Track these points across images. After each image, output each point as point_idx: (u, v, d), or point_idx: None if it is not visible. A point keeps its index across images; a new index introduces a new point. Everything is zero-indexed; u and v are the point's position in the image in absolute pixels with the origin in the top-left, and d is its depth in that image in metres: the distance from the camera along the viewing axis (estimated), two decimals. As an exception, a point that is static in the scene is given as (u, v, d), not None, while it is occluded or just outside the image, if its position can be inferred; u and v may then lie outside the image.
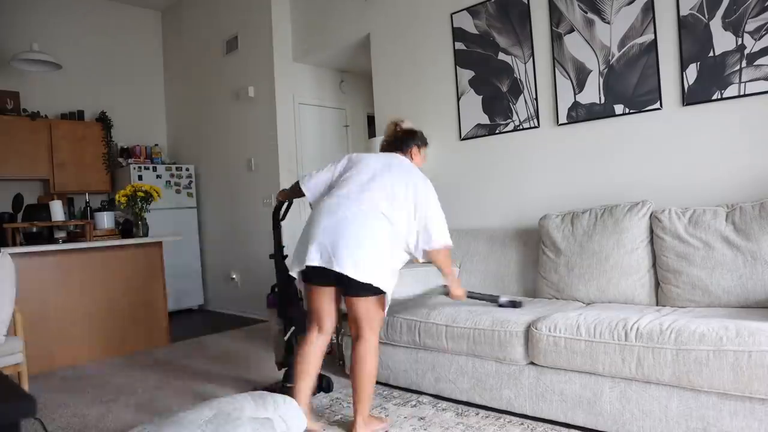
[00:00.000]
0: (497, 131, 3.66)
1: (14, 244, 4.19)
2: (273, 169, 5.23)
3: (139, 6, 6.58)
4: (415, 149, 2.61)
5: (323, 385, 2.98)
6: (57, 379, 3.62)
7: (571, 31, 3.25)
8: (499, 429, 2.37)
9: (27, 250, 3.76)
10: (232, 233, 5.85)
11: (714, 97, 2.75)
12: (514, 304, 2.71)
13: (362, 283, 2.16)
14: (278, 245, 3.05)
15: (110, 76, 6.32)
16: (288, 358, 2.87)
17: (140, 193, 4.47)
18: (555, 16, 3.32)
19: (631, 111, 3.04)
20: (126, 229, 4.84)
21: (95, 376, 3.63)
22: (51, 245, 3.95)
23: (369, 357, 2.30)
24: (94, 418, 2.84)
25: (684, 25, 2.82)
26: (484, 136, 3.73)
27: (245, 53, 5.51)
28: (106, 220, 5.31)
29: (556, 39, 3.32)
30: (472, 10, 3.74)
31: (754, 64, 2.62)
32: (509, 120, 3.59)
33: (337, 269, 2.13)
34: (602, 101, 3.14)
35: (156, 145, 6.53)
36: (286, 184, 5.22)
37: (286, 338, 2.87)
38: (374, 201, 2.25)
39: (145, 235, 4.53)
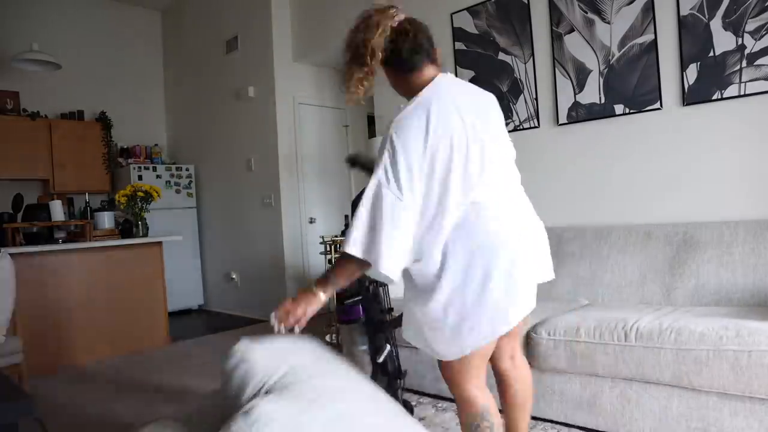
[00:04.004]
0: (497, 131, 3.65)
1: (14, 244, 4.19)
2: (273, 169, 5.23)
3: (139, 6, 6.58)
4: (438, 50, 1.74)
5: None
6: (57, 379, 3.62)
7: (571, 31, 3.25)
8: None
9: (27, 250, 3.76)
10: (232, 233, 5.85)
11: (714, 97, 2.75)
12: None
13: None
14: None
15: (110, 76, 6.31)
16: (381, 386, 2.44)
17: (140, 193, 4.47)
18: (555, 16, 3.32)
19: (632, 111, 3.04)
20: (126, 229, 4.84)
21: (95, 376, 3.63)
22: (51, 245, 3.96)
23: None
24: (94, 418, 2.84)
25: (684, 25, 2.82)
26: (484, 136, 3.72)
27: (245, 53, 5.51)
28: (106, 220, 5.33)
29: (556, 39, 3.32)
30: (472, 10, 3.74)
31: (755, 64, 2.62)
32: (509, 120, 3.59)
33: (547, 278, 1.63)
34: (602, 101, 3.14)
35: (156, 145, 6.53)
36: (286, 184, 5.23)
37: (380, 360, 2.27)
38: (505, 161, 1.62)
39: (145, 235, 4.53)
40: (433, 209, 1.44)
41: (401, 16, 1.67)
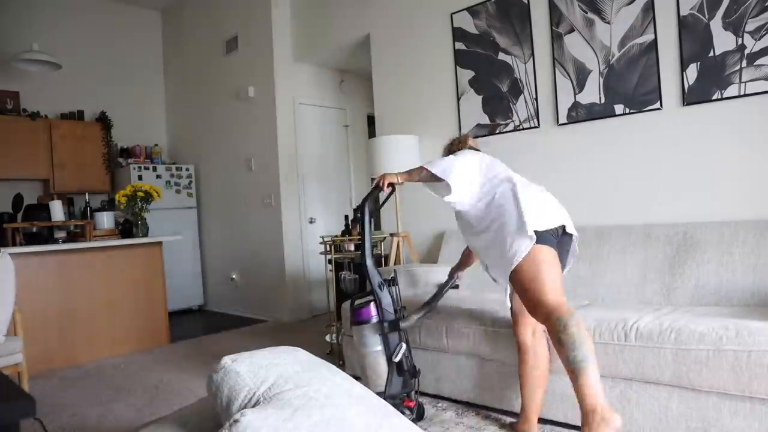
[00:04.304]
0: (497, 131, 3.66)
1: (14, 244, 4.20)
2: (273, 169, 5.23)
3: (139, 6, 6.58)
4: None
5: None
6: (57, 379, 3.62)
7: (571, 31, 3.25)
8: (499, 429, 2.37)
9: (27, 250, 3.76)
10: (232, 233, 5.85)
11: (714, 97, 2.75)
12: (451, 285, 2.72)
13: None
14: (368, 246, 2.43)
15: (110, 76, 6.32)
16: (398, 385, 2.30)
17: (140, 193, 4.47)
18: (555, 16, 3.32)
19: (632, 111, 3.04)
20: (126, 229, 4.84)
21: (95, 376, 3.63)
22: (51, 245, 3.95)
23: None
24: (94, 418, 2.84)
25: (684, 24, 2.82)
26: (484, 136, 3.73)
27: (245, 53, 5.51)
28: (106, 220, 5.33)
29: (556, 39, 3.32)
30: (472, 10, 3.74)
31: (755, 64, 2.62)
32: (509, 120, 3.59)
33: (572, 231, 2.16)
34: (602, 101, 3.14)
35: (156, 145, 6.53)
36: (286, 183, 5.23)
37: (396, 359, 2.26)
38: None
39: (145, 235, 4.53)
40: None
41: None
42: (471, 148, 2.51)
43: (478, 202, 2.23)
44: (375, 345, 2.29)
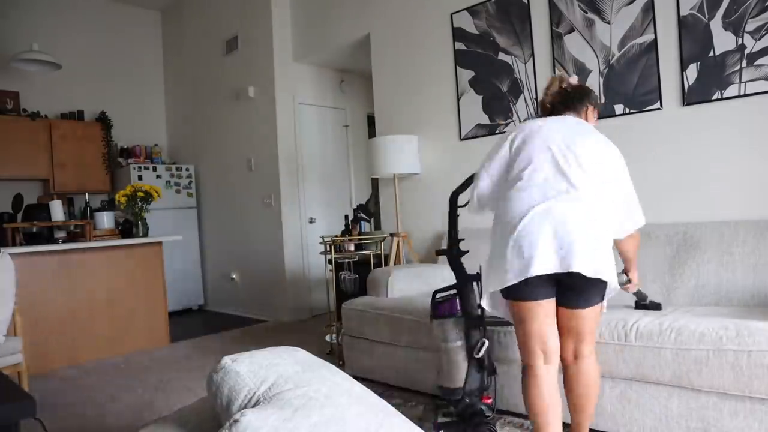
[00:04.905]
0: (497, 131, 3.66)
1: (14, 244, 4.20)
2: (273, 169, 5.23)
3: (139, 6, 6.58)
4: (590, 110, 2.10)
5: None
6: (57, 379, 3.62)
7: (571, 31, 3.25)
8: (499, 429, 2.37)
9: (27, 250, 3.76)
10: (232, 233, 5.85)
11: (714, 97, 2.75)
12: (657, 307, 2.40)
13: (598, 284, 1.80)
14: (456, 238, 2.40)
15: (110, 76, 6.32)
16: (476, 382, 2.26)
17: (140, 193, 4.47)
18: (555, 16, 3.32)
19: (631, 111, 3.04)
20: (126, 229, 4.84)
21: (95, 376, 3.63)
22: (51, 245, 3.95)
23: (598, 376, 1.95)
24: (94, 418, 2.84)
25: (684, 24, 2.82)
26: (484, 136, 3.73)
27: (245, 53, 5.51)
28: (106, 220, 5.34)
29: (556, 39, 3.32)
30: (472, 10, 3.74)
31: (755, 64, 2.62)
32: (509, 120, 3.59)
33: (577, 269, 1.71)
34: (602, 101, 3.14)
35: (156, 145, 6.54)
36: (286, 184, 5.23)
37: (479, 355, 2.20)
38: (581, 179, 1.83)
39: (145, 235, 4.54)
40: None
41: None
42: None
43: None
44: (456, 340, 2.27)
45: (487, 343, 2.22)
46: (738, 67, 2.67)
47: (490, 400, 2.30)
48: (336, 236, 3.84)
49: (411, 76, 4.20)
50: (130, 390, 3.27)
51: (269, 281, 5.37)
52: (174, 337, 4.63)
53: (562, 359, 1.95)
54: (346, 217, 4.04)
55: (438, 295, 2.35)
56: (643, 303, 2.41)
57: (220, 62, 5.84)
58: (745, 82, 2.65)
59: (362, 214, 3.97)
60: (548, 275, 1.78)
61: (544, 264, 1.74)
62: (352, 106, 5.91)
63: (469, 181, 2.28)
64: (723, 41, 2.70)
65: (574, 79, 2.14)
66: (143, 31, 6.67)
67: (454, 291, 2.33)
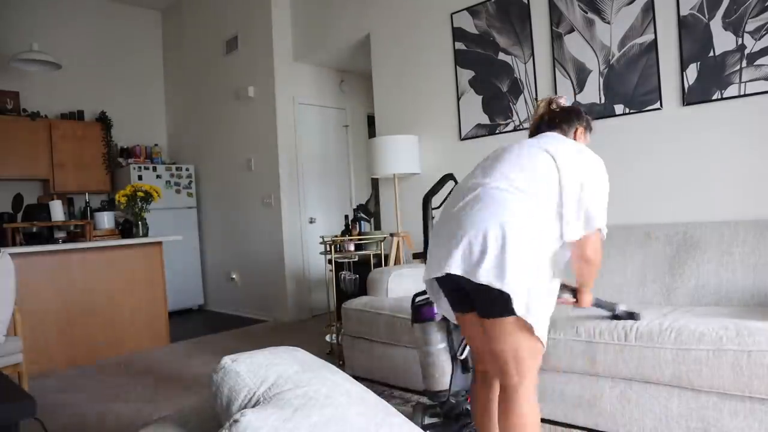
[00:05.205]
0: (497, 131, 3.66)
1: (14, 244, 4.20)
2: (273, 169, 5.23)
3: (139, 6, 6.58)
4: (580, 131, 1.95)
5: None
6: (57, 379, 3.62)
7: (571, 31, 3.25)
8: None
9: (27, 250, 3.76)
10: (232, 233, 5.85)
11: (714, 97, 2.75)
12: (631, 316, 2.24)
13: (491, 293, 1.52)
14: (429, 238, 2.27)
15: (110, 76, 6.32)
16: (461, 383, 2.22)
17: (140, 193, 4.47)
18: (555, 16, 3.32)
19: (631, 111, 3.04)
20: (126, 229, 4.84)
21: (95, 376, 3.63)
22: (51, 245, 3.95)
23: (518, 416, 1.60)
24: (94, 418, 2.84)
25: (684, 25, 2.82)
26: (484, 136, 3.73)
27: (245, 53, 5.51)
28: (106, 220, 5.34)
29: (556, 39, 3.32)
30: (472, 10, 3.74)
31: (755, 64, 2.62)
32: (509, 120, 3.59)
33: (451, 270, 1.55)
34: (602, 101, 3.14)
35: (156, 145, 6.54)
36: (286, 184, 5.23)
37: (462, 356, 2.19)
38: (505, 173, 1.65)
39: (145, 235, 4.54)
40: None
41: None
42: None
43: None
44: (439, 342, 2.23)
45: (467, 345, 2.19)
46: (738, 67, 2.67)
47: None
48: (336, 236, 3.84)
49: (411, 76, 4.20)
50: (130, 390, 3.27)
51: (269, 281, 5.37)
52: (174, 337, 4.63)
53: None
54: (346, 217, 4.04)
55: (418, 299, 2.32)
56: (615, 315, 2.24)
57: (220, 62, 5.84)
58: (745, 82, 2.65)
59: (362, 214, 3.98)
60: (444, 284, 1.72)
61: (448, 263, 1.58)
62: (352, 106, 5.91)
63: (441, 183, 2.24)
64: (723, 41, 2.70)
65: (563, 100, 2.02)
66: (143, 31, 6.67)
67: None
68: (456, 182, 2.01)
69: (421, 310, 2.29)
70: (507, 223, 1.52)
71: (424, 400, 2.76)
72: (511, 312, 1.51)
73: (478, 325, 1.69)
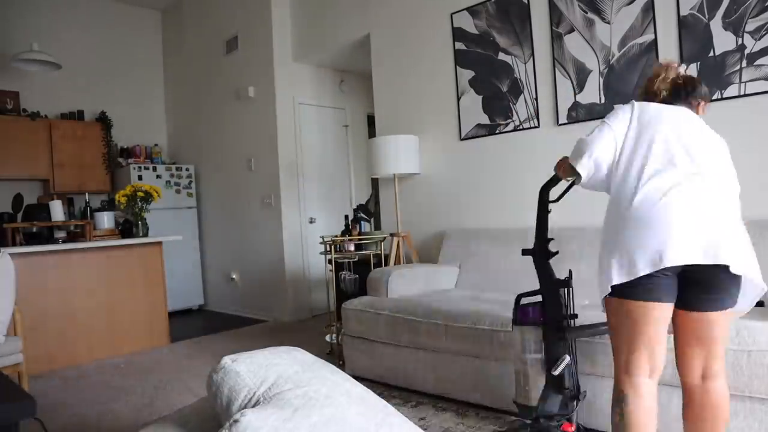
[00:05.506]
0: (497, 131, 3.66)
1: (14, 244, 4.20)
2: (273, 169, 5.23)
3: (139, 6, 6.58)
4: (702, 104, 1.90)
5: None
6: (57, 379, 3.62)
7: (571, 31, 3.25)
8: (499, 429, 2.37)
9: (27, 250, 3.76)
10: (232, 233, 5.86)
11: (714, 97, 2.75)
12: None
13: (737, 282, 1.56)
14: (544, 237, 2.13)
15: (110, 76, 6.32)
16: (555, 405, 2.01)
17: (140, 193, 4.47)
18: (555, 16, 3.32)
19: (631, 111, 3.03)
20: (126, 229, 4.84)
21: (95, 376, 3.63)
22: (51, 245, 3.95)
23: (728, 402, 1.61)
24: (94, 418, 2.84)
25: (684, 25, 2.82)
26: (484, 136, 3.73)
27: (245, 53, 5.51)
28: (106, 220, 5.33)
29: (556, 39, 3.32)
30: (472, 10, 3.74)
31: (755, 64, 2.62)
32: (509, 120, 3.59)
33: (725, 262, 1.48)
34: (602, 101, 3.14)
35: (156, 145, 6.54)
36: (286, 184, 5.22)
37: (556, 372, 1.96)
38: (716, 166, 1.66)
39: (145, 235, 4.54)
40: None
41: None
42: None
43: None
44: (537, 352, 2.02)
45: (568, 359, 1.95)
46: (738, 67, 2.67)
47: (572, 429, 2.01)
48: (336, 236, 3.84)
49: (411, 76, 4.20)
50: (130, 390, 3.27)
51: (269, 281, 5.37)
52: (174, 337, 4.63)
53: (686, 380, 1.66)
54: (346, 217, 4.04)
55: (523, 300, 2.10)
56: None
57: (220, 62, 5.84)
58: (745, 82, 2.65)
59: (362, 214, 3.98)
60: (673, 270, 1.53)
61: (683, 253, 1.47)
62: (352, 106, 5.91)
63: (558, 177, 2.04)
64: (723, 41, 2.70)
65: (682, 69, 1.90)
66: (143, 31, 6.67)
67: (539, 297, 2.09)
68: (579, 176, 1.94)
69: (524, 311, 2.05)
70: (736, 212, 1.63)
71: (427, 400, 2.76)
72: (735, 301, 1.60)
73: (694, 320, 1.60)
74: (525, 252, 2.13)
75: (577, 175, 1.76)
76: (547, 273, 2.09)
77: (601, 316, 1.97)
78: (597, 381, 2.21)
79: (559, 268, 3.00)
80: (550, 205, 2.13)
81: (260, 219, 5.43)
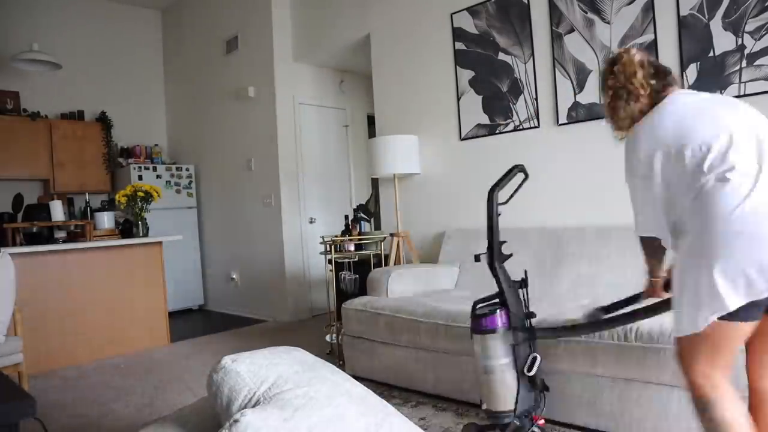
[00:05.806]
0: (497, 131, 3.66)
1: (14, 244, 4.20)
2: (273, 169, 5.23)
3: (139, 6, 6.58)
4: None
5: None
6: (57, 379, 3.62)
7: (571, 31, 3.25)
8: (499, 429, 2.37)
9: (27, 250, 3.76)
10: (232, 233, 5.86)
11: (714, 97, 2.74)
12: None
13: None
14: (497, 240, 2.12)
15: (110, 76, 6.32)
16: (528, 401, 2.05)
17: (140, 193, 4.48)
18: (555, 16, 3.32)
19: (631, 111, 3.03)
20: (126, 229, 4.84)
21: (95, 376, 3.63)
22: (51, 245, 3.96)
23: None
24: (94, 418, 2.84)
25: (684, 25, 2.82)
26: (484, 136, 3.73)
27: (245, 53, 5.51)
28: (106, 220, 5.34)
29: (556, 39, 3.32)
30: (472, 10, 3.74)
31: (754, 64, 2.62)
32: (509, 120, 3.59)
33: None
34: (602, 101, 3.13)
35: (156, 145, 6.54)
36: (286, 184, 5.22)
37: (531, 373, 2.01)
38: None
39: (145, 235, 4.54)
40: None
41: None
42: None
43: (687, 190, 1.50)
44: (504, 356, 2.01)
45: (539, 358, 2.01)
46: (738, 67, 2.67)
47: (542, 422, 2.10)
48: (336, 236, 3.84)
49: (411, 76, 4.20)
50: (130, 390, 3.27)
51: (269, 281, 5.37)
52: (174, 337, 4.63)
53: (756, 385, 1.59)
54: (346, 217, 4.04)
55: (479, 306, 2.09)
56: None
57: (220, 62, 5.84)
58: (745, 82, 2.65)
59: (362, 214, 3.98)
60: None
61: None
62: (352, 106, 5.91)
63: (507, 174, 2.05)
64: (723, 41, 2.70)
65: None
66: (143, 31, 6.67)
67: (497, 301, 2.09)
68: (526, 175, 1.90)
69: (482, 320, 2.04)
70: None
71: (427, 400, 2.76)
72: None
73: None
74: (478, 257, 2.13)
75: None
76: (505, 276, 2.09)
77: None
78: (597, 381, 2.21)
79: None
80: (499, 208, 2.14)
81: (260, 219, 5.43)
